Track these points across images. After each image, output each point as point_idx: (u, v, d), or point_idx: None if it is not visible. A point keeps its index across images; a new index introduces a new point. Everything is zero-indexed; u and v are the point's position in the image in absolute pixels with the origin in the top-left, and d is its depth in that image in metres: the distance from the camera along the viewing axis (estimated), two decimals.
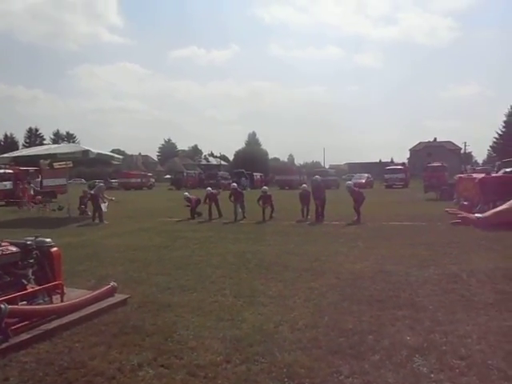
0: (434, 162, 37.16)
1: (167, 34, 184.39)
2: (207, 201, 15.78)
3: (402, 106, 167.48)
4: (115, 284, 5.55)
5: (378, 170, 50.77)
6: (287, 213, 16.32)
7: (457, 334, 4.30)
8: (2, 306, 4.04)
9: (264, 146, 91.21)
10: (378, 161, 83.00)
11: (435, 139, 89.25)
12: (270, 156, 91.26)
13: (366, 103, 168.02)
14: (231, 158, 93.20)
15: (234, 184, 16.99)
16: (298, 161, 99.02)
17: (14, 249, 4.46)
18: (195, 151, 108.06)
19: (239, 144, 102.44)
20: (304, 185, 16.59)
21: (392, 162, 64.78)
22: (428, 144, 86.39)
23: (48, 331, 4.39)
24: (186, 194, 16.88)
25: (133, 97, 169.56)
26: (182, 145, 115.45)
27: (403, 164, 49.99)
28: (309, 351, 3.97)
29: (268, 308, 5.22)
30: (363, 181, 44.38)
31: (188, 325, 4.66)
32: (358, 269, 7.20)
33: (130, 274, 7.03)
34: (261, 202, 15.13)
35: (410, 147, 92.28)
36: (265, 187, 16.41)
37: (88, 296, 5.13)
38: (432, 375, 3.48)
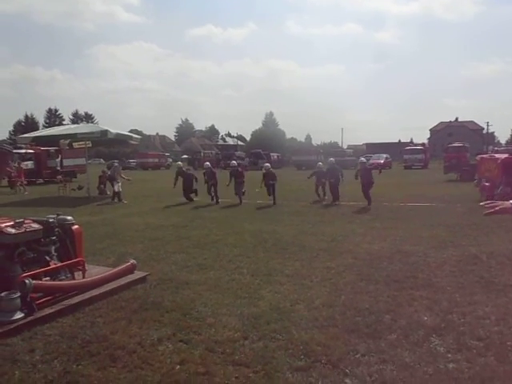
0: (455, 143, 36.40)
1: (184, 12, 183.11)
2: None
3: (423, 85, 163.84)
4: (135, 261, 5.66)
5: (397, 150, 49.87)
6: (304, 193, 16.28)
7: (475, 315, 4.28)
8: (27, 281, 4.17)
9: (281, 126, 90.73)
10: (397, 141, 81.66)
11: (457, 119, 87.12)
12: (287, 136, 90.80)
13: (385, 81, 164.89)
14: (248, 138, 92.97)
15: (234, 162, 16.35)
16: (316, 141, 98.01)
17: (36, 226, 4.57)
18: (212, 131, 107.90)
19: (256, 124, 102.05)
20: (320, 163, 15.81)
21: (411, 143, 63.61)
22: (449, 124, 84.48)
23: (71, 306, 4.52)
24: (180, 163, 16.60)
25: (150, 77, 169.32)
26: (199, 125, 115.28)
27: (423, 144, 49.13)
28: (325, 329, 4.01)
29: (285, 287, 5.26)
30: (382, 161, 43.74)
31: (206, 302, 4.74)
32: (375, 249, 7.18)
33: (148, 252, 7.14)
34: (263, 183, 14.48)
35: (430, 127, 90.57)
36: (267, 164, 15.24)
37: (109, 273, 5.25)
38: (449, 355, 3.48)
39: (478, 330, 3.90)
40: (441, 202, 13.38)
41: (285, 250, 7.26)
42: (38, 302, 4.35)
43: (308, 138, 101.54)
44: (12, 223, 4.46)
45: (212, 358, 3.50)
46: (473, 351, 3.53)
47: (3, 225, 4.38)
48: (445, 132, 79.48)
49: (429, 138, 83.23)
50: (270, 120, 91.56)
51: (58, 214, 5.27)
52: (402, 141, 76.16)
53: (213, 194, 14.64)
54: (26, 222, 4.58)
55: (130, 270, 5.53)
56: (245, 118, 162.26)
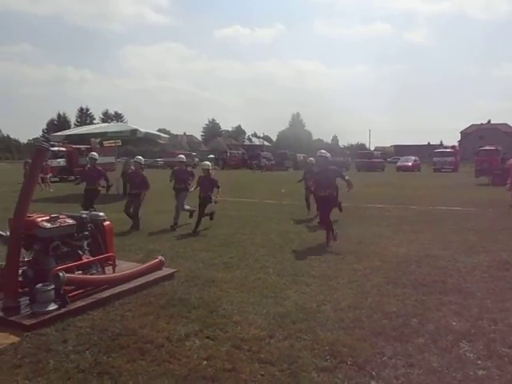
0: (487, 146, 35.38)
1: (211, 13, 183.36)
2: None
3: (453, 86, 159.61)
4: (163, 258, 5.77)
5: (427, 152, 48.94)
6: None
7: (507, 322, 4.18)
8: (61, 274, 4.31)
9: (308, 127, 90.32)
10: (426, 143, 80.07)
11: (489, 121, 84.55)
12: (314, 137, 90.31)
13: (414, 83, 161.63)
14: (274, 138, 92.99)
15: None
16: (343, 142, 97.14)
17: (70, 221, 4.73)
18: (238, 131, 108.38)
19: (283, 125, 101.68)
20: (311, 158, 12.38)
21: (441, 145, 62.36)
22: (480, 126, 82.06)
23: (101, 300, 4.65)
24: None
25: (177, 77, 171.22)
26: (226, 125, 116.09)
27: (453, 147, 47.90)
28: (351, 331, 3.99)
29: (311, 287, 5.26)
30: (410, 164, 43.12)
31: (232, 300, 4.79)
32: (402, 252, 7.09)
33: (176, 250, 7.26)
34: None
35: (461, 129, 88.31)
36: (206, 162, 10.40)
37: (138, 268, 5.37)
38: (479, 362, 3.42)
39: (509, 338, 3.82)
40: (471, 206, 13.05)
41: (311, 250, 7.26)
42: (70, 294, 4.49)
43: (335, 139, 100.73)
44: (48, 218, 4.63)
45: (238, 355, 3.54)
46: (504, 359, 3.45)
47: (39, 219, 4.54)
48: (476, 135, 77.25)
49: (459, 141, 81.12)
50: (296, 121, 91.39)
51: (90, 210, 5.43)
52: (431, 143, 74.72)
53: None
54: (60, 217, 4.74)
55: (158, 267, 5.64)
56: (271, 118, 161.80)
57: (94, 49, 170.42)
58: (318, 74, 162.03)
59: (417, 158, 45.67)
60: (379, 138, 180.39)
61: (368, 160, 44.03)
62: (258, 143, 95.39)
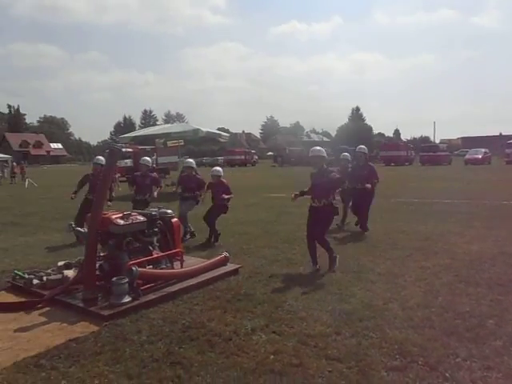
0: None
1: (268, 10, 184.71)
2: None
3: None
4: (228, 254, 5.90)
5: (498, 144, 45.91)
6: (395, 190, 15.69)
7: None
8: (134, 268, 4.56)
9: (368, 121, 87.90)
10: (497, 134, 75.04)
11: None
12: (375, 131, 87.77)
13: (482, 70, 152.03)
14: (333, 134, 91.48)
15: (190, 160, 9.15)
16: (405, 136, 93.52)
17: (141, 218, 4.97)
18: (297, 128, 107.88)
19: (342, 120, 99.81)
20: (345, 153, 10.03)
21: None
22: None
23: (171, 293, 4.85)
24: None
25: (235, 75, 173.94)
26: (284, 121, 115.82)
27: None
28: (421, 330, 3.87)
29: (377, 285, 5.15)
30: (479, 156, 40.68)
31: (297, 296, 4.81)
32: (474, 250, 6.73)
33: (240, 246, 7.39)
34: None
35: None
36: (217, 168, 8.54)
37: (204, 264, 5.55)
38: None
39: None
40: None
41: (375, 247, 7.09)
42: (142, 287, 4.73)
43: (397, 132, 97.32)
44: (121, 215, 4.90)
45: (305, 350, 3.56)
46: None
47: (114, 217, 4.83)
48: None
49: None
50: (356, 115, 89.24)
51: (159, 208, 5.68)
52: (503, 134, 69.94)
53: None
54: (132, 214, 5.01)
55: (224, 262, 5.78)
56: (330, 113, 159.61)
57: (156, 52, 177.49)
58: (378, 66, 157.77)
59: (487, 150, 43.00)
60: (445, 130, 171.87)
61: (433, 153, 42.12)
62: (316, 139, 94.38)
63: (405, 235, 8.00)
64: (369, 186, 8.15)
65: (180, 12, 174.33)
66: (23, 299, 4.91)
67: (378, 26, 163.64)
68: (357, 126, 78.88)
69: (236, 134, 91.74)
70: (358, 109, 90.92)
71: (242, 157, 55.08)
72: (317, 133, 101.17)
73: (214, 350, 3.62)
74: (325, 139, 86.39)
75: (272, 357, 3.47)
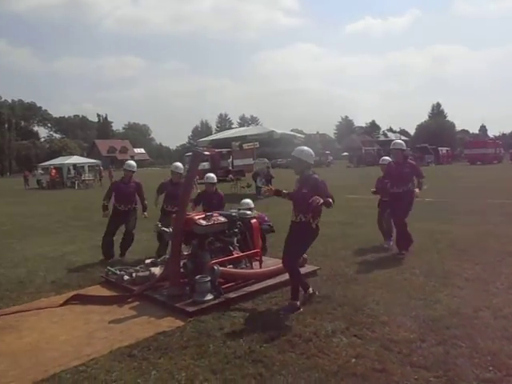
0: None
1: (341, 8, 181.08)
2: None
3: None
4: (306, 256, 5.89)
5: None
6: (483, 190, 14.66)
7: None
8: (216, 267, 4.73)
9: (450, 118, 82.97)
10: None
11: None
12: (458, 128, 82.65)
13: None
14: (412, 132, 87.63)
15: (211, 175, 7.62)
16: (492, 132, 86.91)
17: (222, 219, 5.14)
18: (373, 127, 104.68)
19: (421, 117, 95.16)
20: (385, 158, 8.14)
21: None
22: None
23: (250, 293, 4.95)
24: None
25: (309, 76, 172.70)
26: (359, 121, 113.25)
27: None
28: None
29: (464, 291, 4.86)
30: None
31: (378, 300, 4.68)
32: None
33: (317, 248, 7.29)
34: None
35: None
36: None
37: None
38: None
39: None
40: None
41: (462, 251, 6.68)
42: (223, 286, 4.89)
43: (482, 128, 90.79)
44: (203, 216, 5.11)
45: (388, 356, 3.46)
46: None
47: (197, 218, 5.05)
48: None
49: None
50: (436, 112, 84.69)
51: (239, 209, 5.84)
52: None
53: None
54: (214, 215, 5.20)
55: (302, 264, 5.78)
56: (408, 111, 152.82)
57: (231, 58, 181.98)
58: (460, 58, 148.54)
59: None
60: None
61: None
62: (393, 138, 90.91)
63: (496, 238, 7.44)
64: (417, 190, 6.63)
65: (253, 16, 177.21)
66: (115, 293, 5.30)
67: (461, 16, 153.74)
68: (437, 123, 74.84)
69: (310, 134, 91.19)
70: (438, 105, 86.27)
71: (316, 158, 54.44)
72: (394, 131, 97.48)
73: (295, 350, 3.65)
74: (403, 138, 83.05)
75: (354, 360, 3.42)
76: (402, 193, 6.67)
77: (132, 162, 7.59)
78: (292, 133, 20.80)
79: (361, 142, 74.32)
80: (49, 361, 3.64)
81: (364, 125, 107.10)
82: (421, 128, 78.36)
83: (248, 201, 6.82)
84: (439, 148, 49.28)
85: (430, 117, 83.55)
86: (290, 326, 4.12)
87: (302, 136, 21.23)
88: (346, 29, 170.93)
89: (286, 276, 5.36)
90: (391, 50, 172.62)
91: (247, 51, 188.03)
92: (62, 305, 4.99)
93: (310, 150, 4.81)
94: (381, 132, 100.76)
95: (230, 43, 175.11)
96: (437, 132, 67.06)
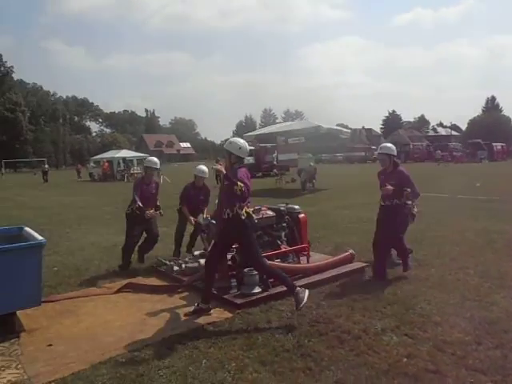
0: None
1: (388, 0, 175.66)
2: None
3: None
4: (353, 252, 5.82)
5: None
6: None
7: None
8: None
9: (506, 112, 78.78)
10: None
11: None
12: None
13: None
14: (463, 127, 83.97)
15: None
16: None
17: (271, 213, 5.17)
18: (421, 122, 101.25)
19: (474, 111, 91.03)
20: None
21: None
22: None
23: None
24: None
25: (354, 70, 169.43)
26: (407, 115, 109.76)
27: None
28: None
29: None
30: None
31: (429, 299, 4.55)
32: None
33: (364, 244, 7.19)
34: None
35: None
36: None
37: (330, 260, 5.55)
38: None
39: None
40: None
41: None
42: (271, 280, 4.91)
43: None
44: (252, 210, 5.14)
45: (441, 357, 3.36)
46: None
47: None
48: None
49: None
50: (491, 106, 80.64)
51: (286, 203, 5.84)
52: None
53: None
54: (262, 209, 5.23)
55: (349, 260, 5.72)
56: (460, 105, 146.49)
57: (276, 52, 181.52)
58: None
59: None
60: None
61: None
62: (444, 133, 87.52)
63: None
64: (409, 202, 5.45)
65: (299, 10, 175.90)
66: (166, 283, 5.45)
67: None
68: (492, 118, 71.25)
69: (355, 129, 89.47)
70: (493, 98, 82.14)
71: (362, 153, 53.50)
72: (444, 126, 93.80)
73: (344, 346, 3.62)
74: (453, 133, 79.78)
75: (405, 360, 3.35)
76: (391, 206, 5.30)
77: (155, 159, 6.58)
78: (338, 128, 20.49)
79: (408, 138, 72.01)
80: (105, 345, 3.82)
81: (412, 119, 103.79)
82: (473, 123, 74.97)
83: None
84: (493, 144, 46.96)
85: (483, 111, 79.74)
86: (338, 322, 4.09)
87: (348, 131, 20.87)
88: (394, 20, 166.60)
89: (334, 272, 5.35)
90: (442, 42, 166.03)
91: (293, 45, 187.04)
92: (115, 292, 5.21)
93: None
94: (430, 127, 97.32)
95: (275, 37, 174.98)
96: (491, 127, 63.91)
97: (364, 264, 5.73)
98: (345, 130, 20.08)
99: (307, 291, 4.26)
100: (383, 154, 5.45)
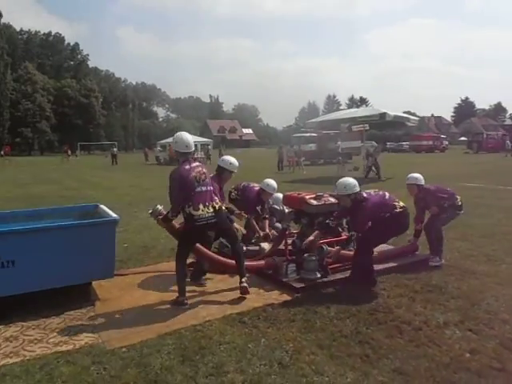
0: None
1: None
2: None
3: None
4: (417, 243, 5.67)
5: None
6: None
7: None
8: (324, 247, 4.79)
9: None
10: None
11: None
12: None
13: None
14: None
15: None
16: None
17: (333, 200, 5.15)
18: (497, 110, 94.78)
19: None
20: None
21: None
22: None
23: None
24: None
25: (424, 55, 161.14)
26: (482, 103, 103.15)
27: None
28: None
29: None
30: None
31: (497, 296, 4.36)
32: None
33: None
34: None
35: None
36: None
37: (392, 250, 5.45)
38: None
39: None
40: None
41: None
42: (330, 266, 4.93)
43: None
44: (314, 196, 5.17)
45: (508, 355, 3.23)
46: None
47: (307, 197, 5.12)
48: None
49: None
50: None
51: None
52: None
53: None
54: (324, 195, 5.23)
55: (413, 251, 5.59)
56: None
57: (341, 37, 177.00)
58: None
59: None
60: None
61: None
62: None
63: None
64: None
65: None
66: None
67: None
68: None
69: (424, 117, 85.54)
70: None
71: (430, 142, 50.97)
72: None
73: (403, 336, 3.58)
74: None
75: (468, 355, 3.26)
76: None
77: (235, 161, 5.41)
78: (405, 115, 19.72)
79: (482, 126, 67.71)
80: (170, 317, 4.05)
81: (487, 107, 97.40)
82: None
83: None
84: None
85: None
86: (398, 313, 4.04)
87: (416, 119, 20.05)
88: (471, 1, 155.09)
89: (395, 262, 5.27)
90: None
91: (359, 29, 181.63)
92: None
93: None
94: (507, 115, 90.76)
95: (341, 22, 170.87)
96: None
97: (428, 255, 5.56)
98: (412, 117, 19.27)
99: None
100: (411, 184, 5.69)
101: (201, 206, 4.25)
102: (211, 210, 4.30)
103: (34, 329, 3.87)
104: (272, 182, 5.96)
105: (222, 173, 5.31)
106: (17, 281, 3.97)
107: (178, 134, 4.50)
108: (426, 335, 3.60)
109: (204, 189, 4.32)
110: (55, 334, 3.78)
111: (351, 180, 4.78)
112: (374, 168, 17.78)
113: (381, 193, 4.90)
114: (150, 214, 4.55)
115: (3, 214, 5.28)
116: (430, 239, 5.58)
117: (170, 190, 4.35)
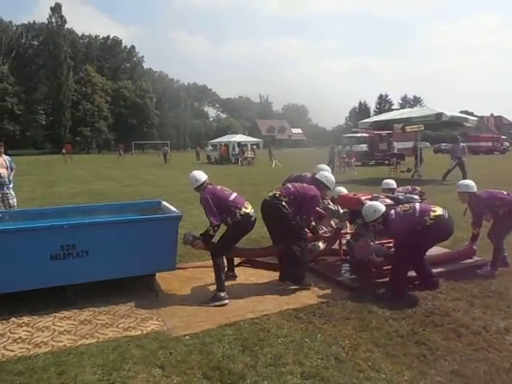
0: None
1: None
2: None
3: None
4: (474, 247, 5.54)
5: None
6: None
7: None
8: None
9: None
10: None
11: None
12: None
13: None
14: None
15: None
16: None
17: (389, 201, 5.15)
18: None
19: None
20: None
21: None
22: None
23: (412, 277, 4.88)
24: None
25: (484, 50, 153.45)
26: None
27: None
28: None
29: None
30: None
31: None
32: None
33: (485, 240, 6.77)
34: None
35: None
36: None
37: (449, 254, 5.37)
38: None
39: None
40: None
41: None
42: (385, 268, 4.93)
43: None
44: (370, 197, 5.21)
45: None
46: None
47: (363, 198, 5.17)
48: None
49: None
50: None
51: (405, 193, 5.75)
52: None
53: None
54: (380, 196, 5.25)
55: (469, 255, 5.47)
56: None
57: (392, 34, 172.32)
58: None
59: None
60: None
61: None
62: None
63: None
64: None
65: None
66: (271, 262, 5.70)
67: None
68: None
69: (483, 117, 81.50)
70: None
71: (489, 143, 48.57)
72: None
73: (461, 340, 3.57)
74: None
75: None
76: None
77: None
78: (463, 115, 18.97)
79: None
80: (229, 310, 4.26)
81: None
82: None
83: (390, 181, 6.73)
84: None
85: None
86: (455, 316, 4.01)
87: (475, 119, 19.19)
88: None
89: (453, 266, 5.20)
90: None
91: (413, 26, 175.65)
92: (236, 265, 5.66)
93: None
94: None
95: (393, 19, 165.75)
96: None
97: (486, 260, 5.43)
98: (470, 117, 18.50)
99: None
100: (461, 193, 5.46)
101: (246, 205, 4.65)
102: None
103: (104, 314, 4.20)
104: (330, 176, 5.36)
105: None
106: (90, 270, 4.32)
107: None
108: (486, 340, 3.56)
109: (236, 194, 4.78)
110: (124, 319, 4.08)
111: (370, 208, 4.69)
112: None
113: (410, 211, 4.60)
114: (185, 243, 4.72)
115: (80, 208, 5.76)
116: (493, 246, 5.37)
117: (206, 212, 4.59)
